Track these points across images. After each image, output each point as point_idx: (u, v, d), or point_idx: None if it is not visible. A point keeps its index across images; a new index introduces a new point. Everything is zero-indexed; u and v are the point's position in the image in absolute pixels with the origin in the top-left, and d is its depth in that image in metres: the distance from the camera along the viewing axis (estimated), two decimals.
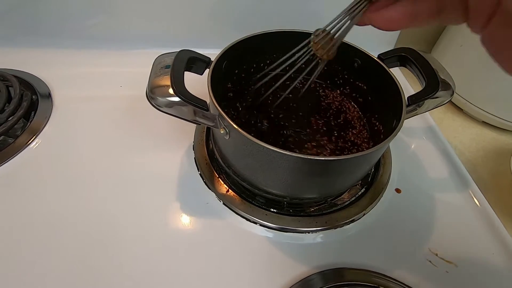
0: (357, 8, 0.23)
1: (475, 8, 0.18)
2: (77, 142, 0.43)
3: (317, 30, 0.29)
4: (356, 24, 0.24)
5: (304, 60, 0.30)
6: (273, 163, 0.30)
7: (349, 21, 0.25)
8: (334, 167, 0.31)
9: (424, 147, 0.49)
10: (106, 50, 0.56)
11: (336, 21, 0.26)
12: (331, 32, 0.27)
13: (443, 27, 0.62)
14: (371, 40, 0.55)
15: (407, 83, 0.58)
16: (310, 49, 0.29)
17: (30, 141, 0.42)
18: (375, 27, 0.22)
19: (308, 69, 0.32)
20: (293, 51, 0.31)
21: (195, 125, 0.46)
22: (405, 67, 0.40)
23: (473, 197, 0.43)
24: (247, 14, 0.56)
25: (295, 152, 0.28)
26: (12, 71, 0.50)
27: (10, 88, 0.46)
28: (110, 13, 0.54)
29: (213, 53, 0.37)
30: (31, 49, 0.54)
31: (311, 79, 0.35)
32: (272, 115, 0.42)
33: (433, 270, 0.35)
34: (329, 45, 0.28)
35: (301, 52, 0.30)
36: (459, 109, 0.58)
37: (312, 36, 0.29)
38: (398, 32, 0.62)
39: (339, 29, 0.26)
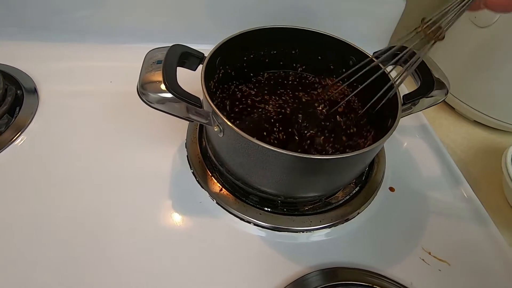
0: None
1: None
2: (64, 139, 0.42)
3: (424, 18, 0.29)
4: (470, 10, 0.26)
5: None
6: (268, 161, 0.30)
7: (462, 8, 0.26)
8: (330, 166, 0.31)
9: (417, 146, 0.49)
10: (96, 44, 0.54)
11: (448, 8, 0.26)
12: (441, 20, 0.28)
13: None
14: (365, 38, 0.55)
15: None
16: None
17: (14, 138, 0.41)
18: (490, 10, 0.25)
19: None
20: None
21: (188, 122, 0.45)
22: (400, 65, 0.40)
23: (465, 195, 0.43)
24: (241, 10, 0.55)
25: (291, 150, 0.28)
26: None
27: None
28: (100, 6, 0.52)
29: (206, 49, 0.36)
30: (15, 42, 0.52)
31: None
32: (266, 113, 0.41)
33: (427, 269, 0.36)
34: (440, 30, 0.28)
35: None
36: (451, 108, 0.59)
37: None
38: (392, 30, 0.62)
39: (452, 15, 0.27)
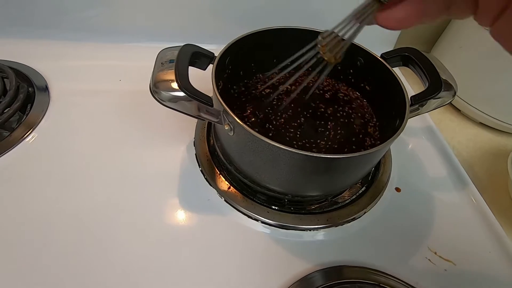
0: (366, 10, 0.22)
1: (485, 5, 0.18)
2: (74, 136, 0.43)
3: (324, 32, 0.28)
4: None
5: (310, 62, 0.30)
6: (278, 160, 0.30)
7: (358, 24, 0.24)
8: (338, 165, 0.31)
9: (423, 147, 0.50)
10: (105, 43, 0.55)
11: (345, 23, 0.25)
12: (339, 34, 0.26)
13: (443, 28, 0.62)
14: (372, 39, 0.55)
15: (407, 83, 0.59)
16: (317, 51, 0.28)
17: (26, 135, 0.41)
18: (382, 27, 0.22)
19: (316, 71, 0.31)
20: (299, 53, 0.30)
21: (196, 120, 0.45)
22: (408, 66, 0.40)
23: (471, 196, 0.43)
24: (251, 10, 0.56)
25: (299, 149, 0.28)
26: (8, 63, 0.48)
27: (5, 80, 0.45)
28: (110, 5, 0.53)
29: (215, 49, 0.36)
30: (27, 40, 0.53)
31: (318, 82, 0.35)
32: (276, 112, 0.42)
33: (432, 268, 0.36)
34: (337, 48, 0.27)
35: (307, 54, 0.29)
36: (457, 110, 0.59)
37: (319, 38, 0.28)
38: (398, 31, 0.62)
39: (348, 31, 0.25)
